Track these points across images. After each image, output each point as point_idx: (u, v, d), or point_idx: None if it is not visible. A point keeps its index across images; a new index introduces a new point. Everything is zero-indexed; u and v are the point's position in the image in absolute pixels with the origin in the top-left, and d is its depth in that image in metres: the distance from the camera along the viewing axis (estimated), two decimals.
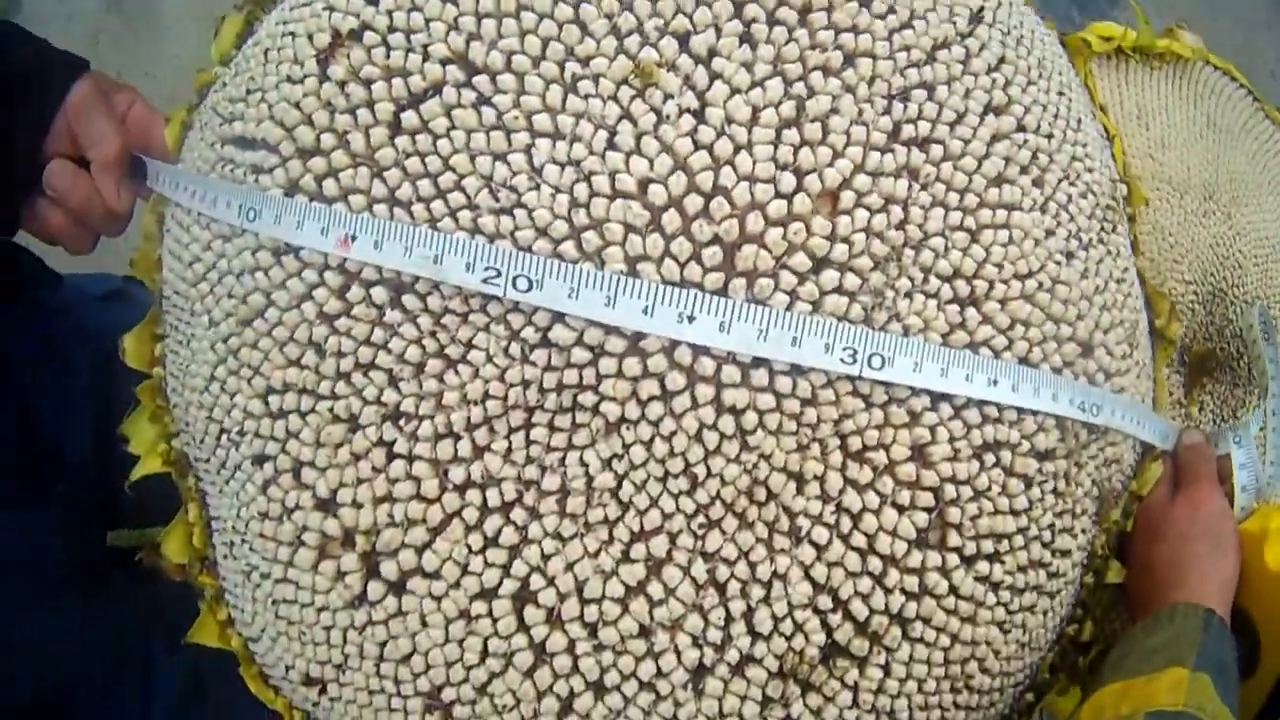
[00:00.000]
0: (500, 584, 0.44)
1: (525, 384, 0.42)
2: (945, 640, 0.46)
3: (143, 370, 0.58)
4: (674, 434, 0.42)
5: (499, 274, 0.41)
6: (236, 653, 0.54)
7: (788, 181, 0.41)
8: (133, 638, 0.65)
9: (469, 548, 0.44)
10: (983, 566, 0.45)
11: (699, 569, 0.43)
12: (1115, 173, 0.50)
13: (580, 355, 0.42)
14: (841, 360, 0.41)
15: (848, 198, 0.42)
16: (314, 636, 0.48)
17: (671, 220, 0.41)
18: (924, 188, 0.43)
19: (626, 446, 0.42)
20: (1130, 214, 0.51)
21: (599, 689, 0.45)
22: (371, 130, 0.45)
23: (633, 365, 0.41)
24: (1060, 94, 0.47)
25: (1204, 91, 0.74)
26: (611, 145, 0.42)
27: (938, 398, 0.43)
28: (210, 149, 0.51)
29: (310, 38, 0.48)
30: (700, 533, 0.43)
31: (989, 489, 0.44)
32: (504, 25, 0.43)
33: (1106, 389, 0.47)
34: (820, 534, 0.43)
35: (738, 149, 0.41)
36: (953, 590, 0.45)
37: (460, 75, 0.44)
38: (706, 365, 0.41)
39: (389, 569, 0.45)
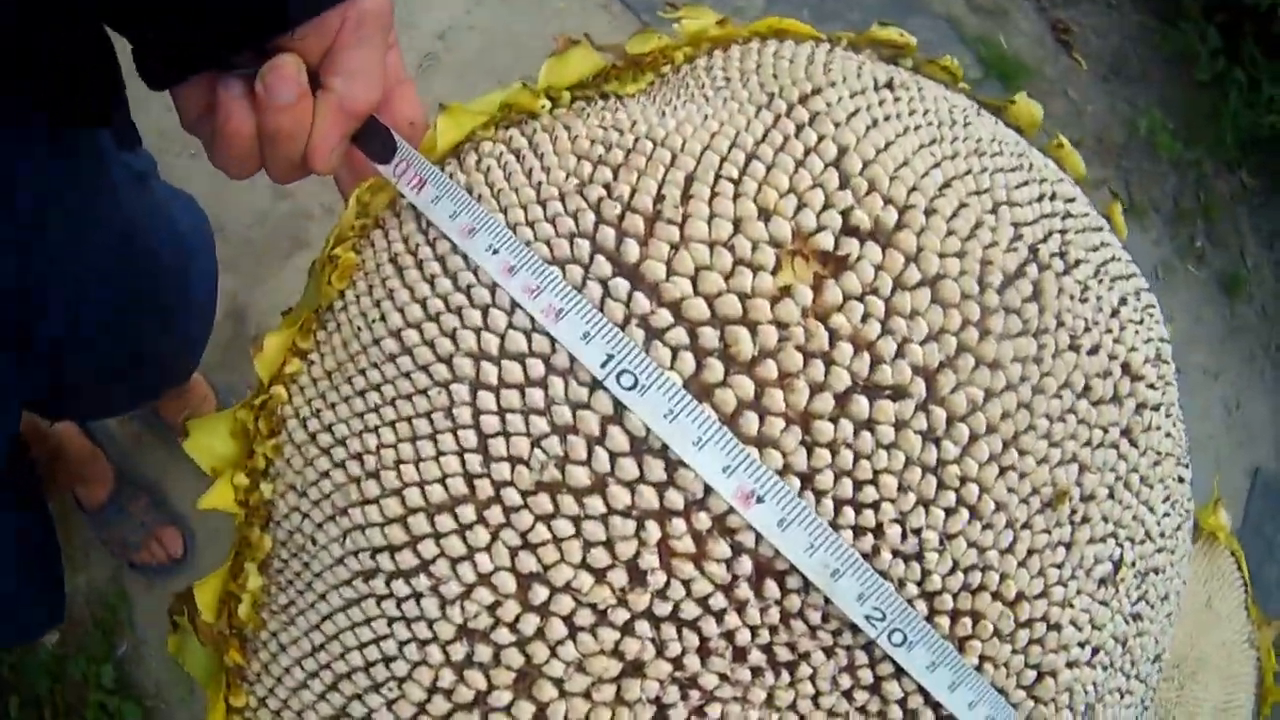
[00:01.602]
0: None
1: (831, 713, 0.42)
2: None
3: (263, 379, 0.43)
4: None
5: (884, 618, 0.40)
6: None
7: (1078, 636, 0.47)
8: None
9: None
10: None
11: None
12: None
13: (895, 713, 0.42)
14: None
15: (1098, 659, 0.48)
16: None
17: (1012, 639, 0.44)
18: (1122, 653, 0.51)
19: None
20: None
21: None
22: (817, 396, 0.40)
23: None
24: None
25: (1216, 572, 0.81)
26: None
27: None
28: (553, 227, 0.41)
29: (768, 224, 0.41)
30: None
31: None
32: (977, 374, 0.42)
33: None
34: None
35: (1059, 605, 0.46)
36: None
37: (923, 393, 0.41)
38: None
39: None
